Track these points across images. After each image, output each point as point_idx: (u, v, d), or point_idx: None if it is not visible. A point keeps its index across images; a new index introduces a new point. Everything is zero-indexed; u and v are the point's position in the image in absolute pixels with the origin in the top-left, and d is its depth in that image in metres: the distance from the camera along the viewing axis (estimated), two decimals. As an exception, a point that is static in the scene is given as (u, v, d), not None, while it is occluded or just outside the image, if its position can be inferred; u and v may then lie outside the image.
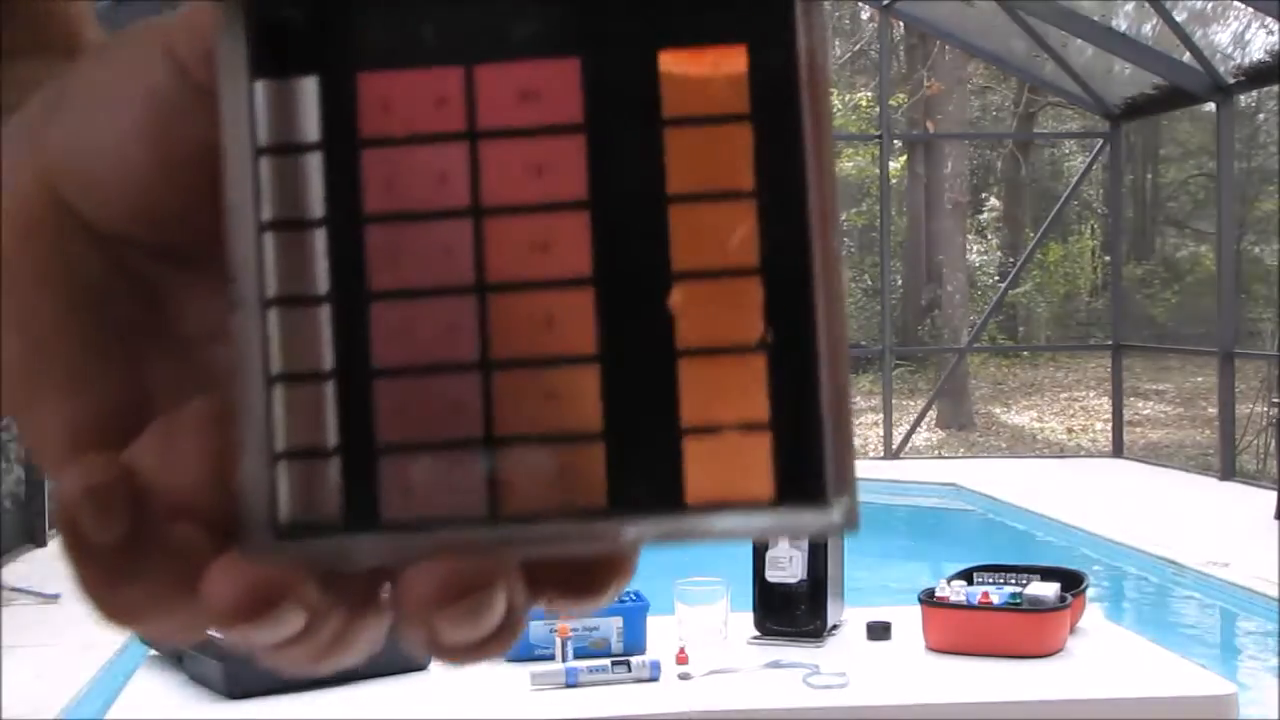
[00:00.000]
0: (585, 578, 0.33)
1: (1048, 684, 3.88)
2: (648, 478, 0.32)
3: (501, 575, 0.31)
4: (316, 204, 0.32)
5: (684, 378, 0.32)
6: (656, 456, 0.32)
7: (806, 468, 0.32)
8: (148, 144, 0.34)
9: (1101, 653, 4.07)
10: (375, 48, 0.32)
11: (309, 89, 0.32)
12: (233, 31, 0.32)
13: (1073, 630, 4.17)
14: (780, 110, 0.32)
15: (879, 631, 4.26)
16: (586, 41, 0.32)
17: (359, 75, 0.32)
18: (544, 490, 0.32)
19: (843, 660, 4.02)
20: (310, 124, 0.32)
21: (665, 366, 0.32)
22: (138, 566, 0.33)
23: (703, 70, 0.32)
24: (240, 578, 0.31)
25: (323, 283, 0.32)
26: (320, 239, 0.32)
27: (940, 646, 4.13)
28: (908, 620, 4.25)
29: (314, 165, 0.32)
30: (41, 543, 6.31)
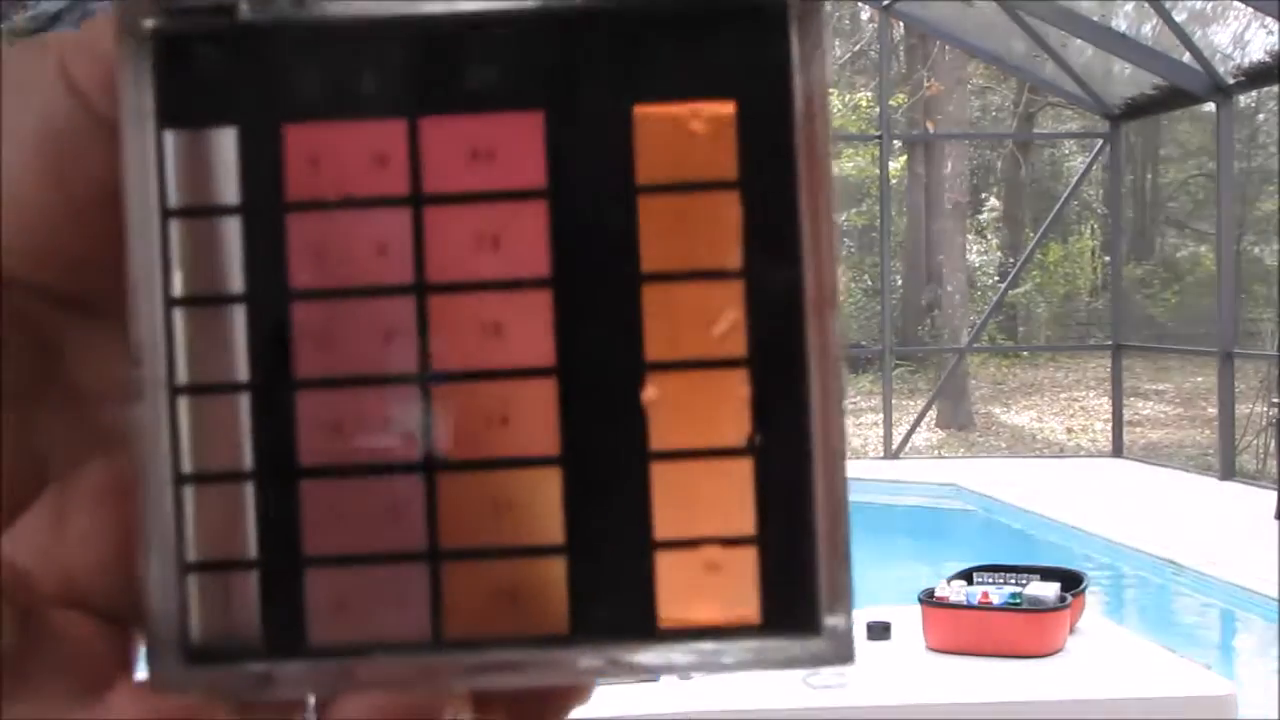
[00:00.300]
0: (538, 706, 0.29)
1: (1047, 684, 3.85)
2: (615, 598, 0.27)
3: (446, 710, 0.27)
4: (235, 277, 0.27)
5: (658, 483, 0.27)
6: (625, 574, 0.27)
7: (797, 588, 0.27)
8: (46, 181, 0.30)
9: (1101, 652, 4.04)
10: (304, 96, 0.27)
11: (227, 142, 0.27)
12: (137, 70, 0.27)
13: (1072, 630, 4.14)
14: (774, 176, 0.27)
15: (879, 631, 4.23)
16: (551, 92, 0.27)
17: (285, 127, 0.27)
18: (496, 612, 0.27)
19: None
20: (229, 183, 0.27)
21: (637, 470, 0.27)
22: (25, 679, 0.28)
23: (685, 128, 0.27)
24: (146, 709, 0.27)
25: (242, 368, 0.27)
26: (239, 317, 0.27)
27: (940, 646, 4.10)
28: (908, 620, 4.21)
29: (232, 231, 0.27)
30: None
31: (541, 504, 0.27)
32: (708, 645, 0.27)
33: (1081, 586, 4.25)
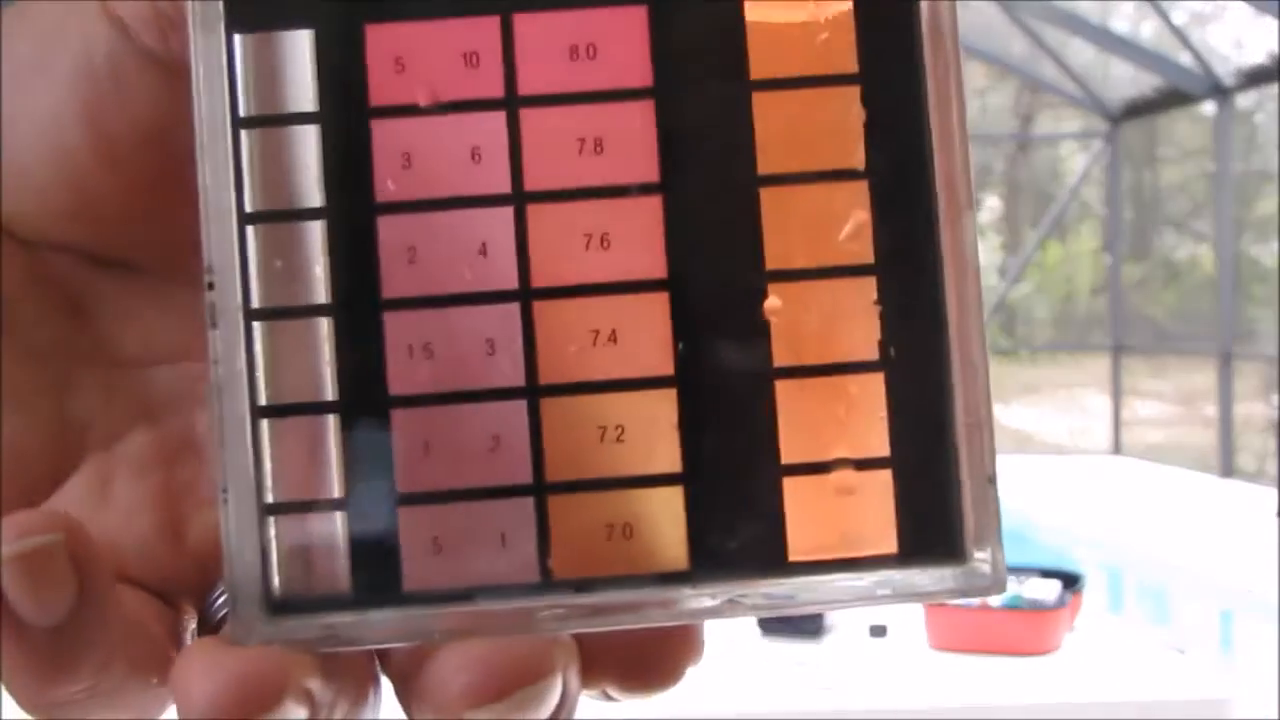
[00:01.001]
0: (652, 658, 0.26)
1: (1047, 683, 3.83)
2: (740, 530, 0.25)
3: (557, 661, 0.25)
4: (313, 190, 0.25)
5: (782, 403, 0.25)
6: (750, 503, 0.25)
7: (938, 514, 0.25)
8: (82, 124, 0.28)
9: (1100, 652, 4.02)
10: None
11: (302, 45, 0.25)
12: None
13: (1071, 629, 4.12)
14: (897, 68, 0.25)
15: (879, 631, 4.21)
16: None
17: (366, 27, 0.25)
18: (608, 549, 0.25)
19: (843, 659, 3.95)
20: (305, 89, 0.25)
21: (759, 389, 0.25)
22: (81, 653, 0.26)
23: (799, 19, 0.25)
24: (223, 669, 0.24)
25: (322, 289, 0.25)
26: (318, 234, 0.25)
27: (940, 645, 4.08)
28: (908, 619, 4.19)
29: (310, 141, 0.25)
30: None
31: (655, 429, 0.25)
32: (842, 578, 0.25)
33: (1080, 585, 4.24)
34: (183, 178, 0.28)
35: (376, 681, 0.27)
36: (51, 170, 0.28)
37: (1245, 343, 7.94)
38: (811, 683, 3.78)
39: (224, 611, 0.28)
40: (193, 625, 0.30)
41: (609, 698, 0.27)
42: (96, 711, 0.27)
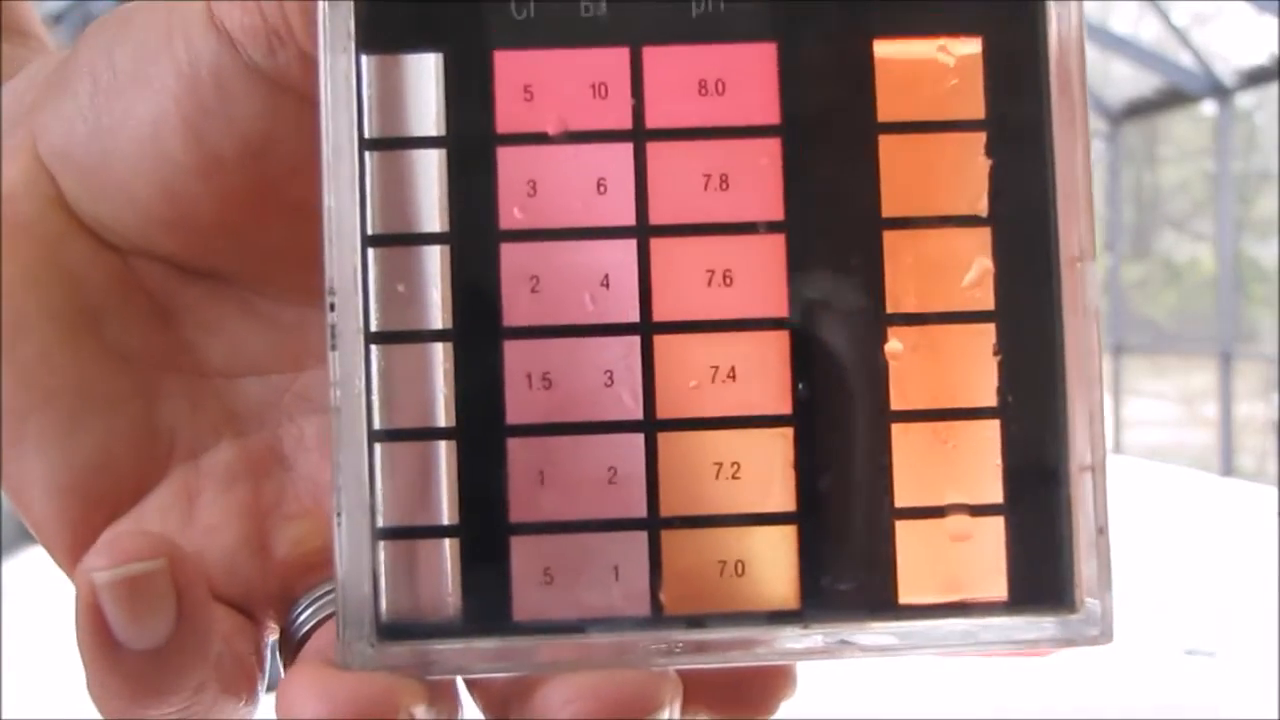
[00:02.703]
0: (748, 690, 0.27)
1: (1047, 682, 3.85)
2: (851, 571, 0.25)
3: (665, 696, 0.25)
4: (438, 215, 0.25)
5: (899, 446, 0.25)
6: (862, 545, 0.25)
7: (1050, 562, 0.25)
8: (183, 135, 0.28)
9: (1099, 651, 4.04)
10: (515, 20, 0.25)
11: (431, 69, 0.25)
12: None
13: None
14: (1024, 115, 0.25)
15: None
16: (785, 22, 0.25)
17: (495, 54, 0.25)
18: (719, 585, 0.25)
19: (835, 660, 3.96)
20: (431, 113, 0.25)
21: (876, 432, 0.25)
22: (178, 676, 0.26)
23: (928, 63, 0.25)
24: (334, 695, 0.24)
25: (443, 315, 0.25)
26: (441, 259, 0.25)
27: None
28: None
29: (435, 165, 0.25)
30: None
31: (771, 467, 0.25)
32: (950, 624, 0.25)
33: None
34: (280, 191, 0.28)
35: (461, 706, 0.27)
36: (149, 180, 0.28)
37: (1245, 343, 7.96)
38: (811, 682, 3.80)
39: (307, 627, 0.29)
40: (273, 639, 0.30)
41: None
42: None
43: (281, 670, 0.28)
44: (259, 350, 0.30)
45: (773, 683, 0.26)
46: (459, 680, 0.27)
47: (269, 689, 0.29)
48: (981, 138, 0.25)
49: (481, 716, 0.27)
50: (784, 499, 0.25)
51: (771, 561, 0.25)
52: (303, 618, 0.29)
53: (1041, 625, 0.25)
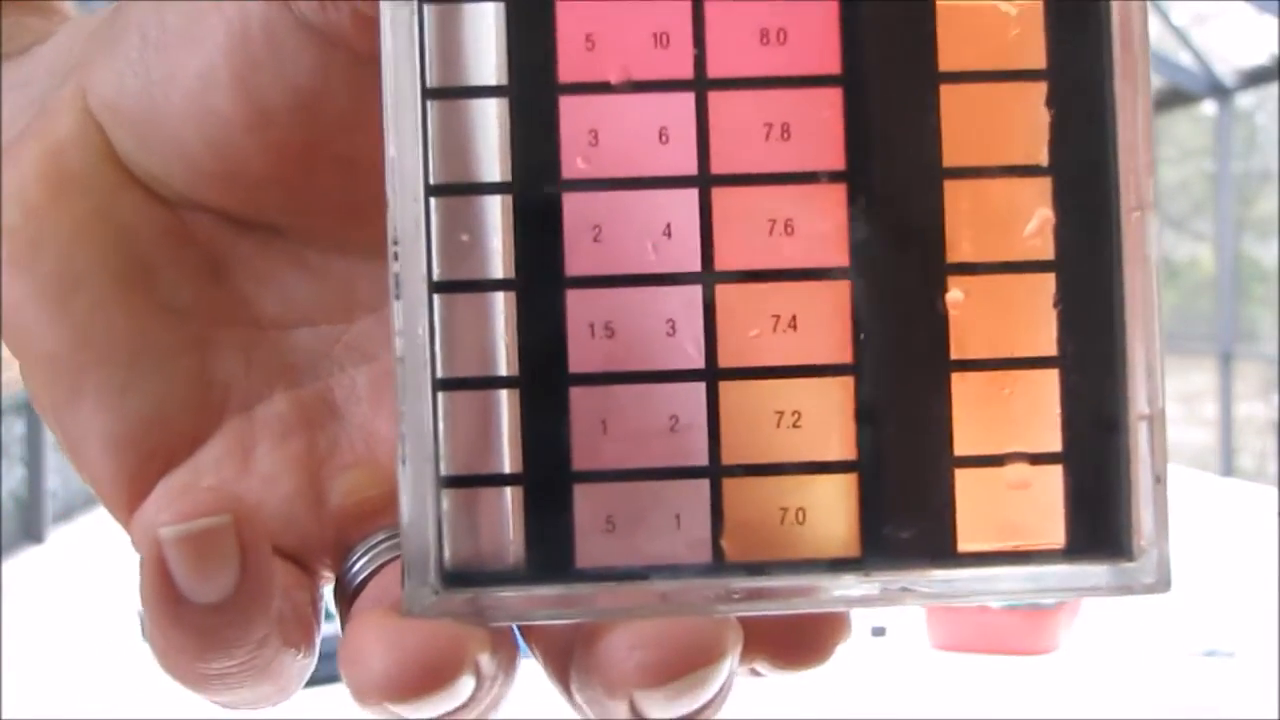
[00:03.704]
0: (805, 637, 0.27)
1: (1046, 682, 3.85)
2: (911, 519, 0.25)
3: (728, 643, 0.25)
4: (499, 164, 0.25)
5: (958, 395, 0.25)
6: (922, 493, 0.25)
7: (1108, 510, 0.25)
8: (234, 90, 0.28)
9: (1099, 651, 4.05)
10: None
11: (492, 17, 0.25)
12: None
13: (1070, 629, 4.14)
14: (1085, 65, 0.25)
15: (879, 631, 4.22)
16: None
17: (556, 3, 0.25)
18: (780, 533, 0.25)
19: (843, 659, 3.97)
20: (492, 63, 0.25)
21: (935, 381, 0.25)
22: (241, 629, 0.26)
23: (989, 14, 0.25)
24: (400, 643, 0.24)
25: (505, 264, 0.25)
26: (503, 209, 0.25)
27: (940, 645, 4.11)
28: (909, 619, 4.21)
29: (497, 115, 0.25)
30: (40, 539, 6.24)
31: (832, 416, 0.25)
32: (1009, 571, 0.25)
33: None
34: (330, 146, 0.28)
35: (518, 657, 0.27)
36: (200, 134, 0.28)
37: (1245, 343, 7.96)
38: (815, 681, 3.80)
39: (363, 575, 0.29)
40: (329, 588, 0.30)
41: (756, 674, 0.27)
42: (245, 684, 0.27)
43: (339, 619, 0.28)
44: (310, 302, 0.31)
45: (829, 629, 0.27)
46: (517, 633, 0.27)
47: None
48: (1043, 88, 0.25)
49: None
50: (844, 447, 0.25)
51: (832, 509, 0.25)
52: (358, 566, 0.29)
53: (1099, 573, 0.25)
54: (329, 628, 0.29)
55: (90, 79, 0.29)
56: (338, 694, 0.28)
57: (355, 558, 0.29)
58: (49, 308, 0.28)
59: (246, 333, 0.30)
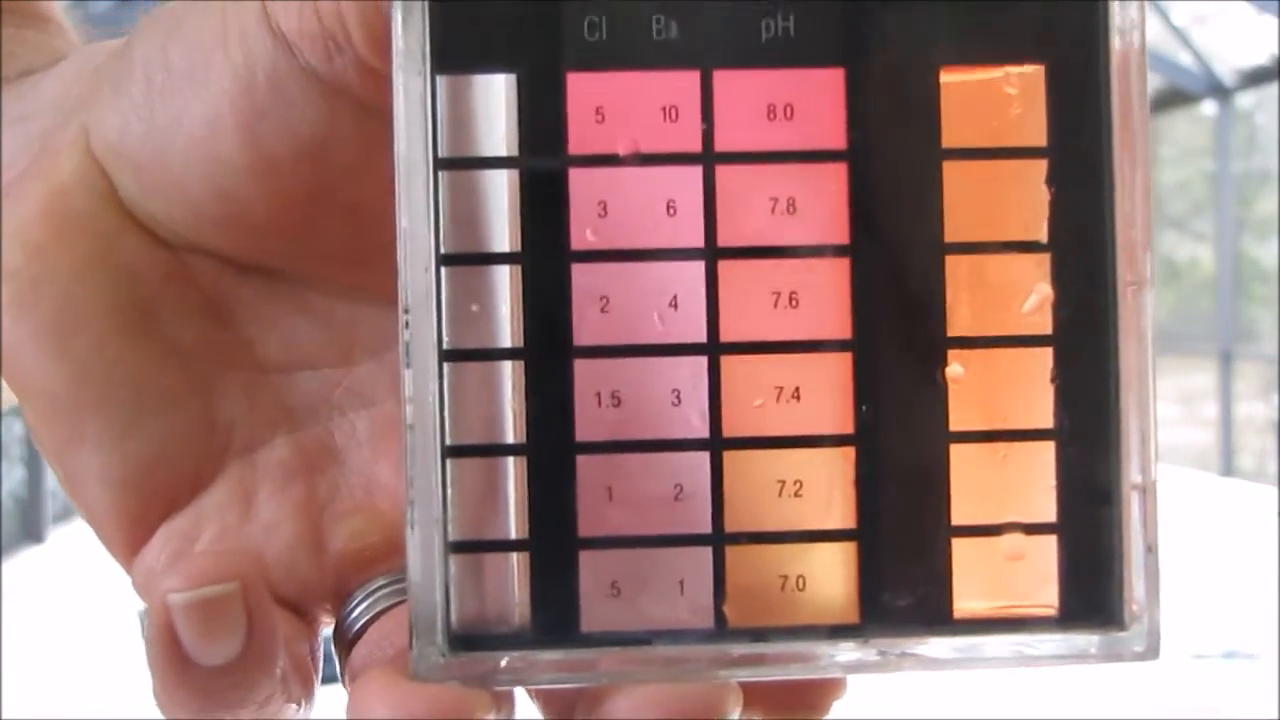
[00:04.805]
0: (802, 694, 0.27)
1: (1046, 681, 3.86)
2: (908, 586, 0.26)
3: (728, 707, 0.25)
4: (509, 235, 0.26)
5: (956, 466, 0.26)
6: (920, 561, 0.26)
7: (1101, 579, 0.26)
8: (239, 136, 0.28)
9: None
10: (587, 41, 0.26)
11: (503, 89, 0.26)
12: (410, 10, 0.25)
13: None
14: (1085, 143, 0.26)
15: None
16: (854, 49, 0.26)
17: (567, 75, 0.26)
18: (781, 599, 0.26)
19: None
20: (503, 134, 0.26)
21: (934, 452, 0.26)
22: (245, 691, 0.27)
23: (992, 91, 0.26)
24: (405, 707, 0.25)
25: (514, 334, 0.26)
26: (512, 279, 0.26)
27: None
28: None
29: (507, 185, 0.26)
30: (40, 539, 6.24)
31: (833, 485, 0.25)
32: (1003, 638, 0.26)
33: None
34: (335, 193, 0.29)
35: (515, 707, 0.28)
36: (203, 179, 0.29)
37: (1245, 343, 7.97)
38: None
39: (362, 622, 0.29)
40: (327, 633, 0.31)
41: None
42: None
43: (338, 664, 0.29)
44: (312, 345, 0.31)
45: (826, 688, 0.27)
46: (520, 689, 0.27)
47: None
48: (1043, 165, 0.26)
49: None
50: (844, 516, 0.25)
51: (831, 577, 0.25)
52: (358, 612, 0.29)
53: (1091, 641, 0.26)
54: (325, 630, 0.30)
55: (94, 120, 0.30)
56: (338, 694, 0.28)
57: (355, 603, 0.29)
58: (50, 348, 0.29)
59: (248, 376, 0.31)
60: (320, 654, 0.31)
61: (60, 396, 0.29)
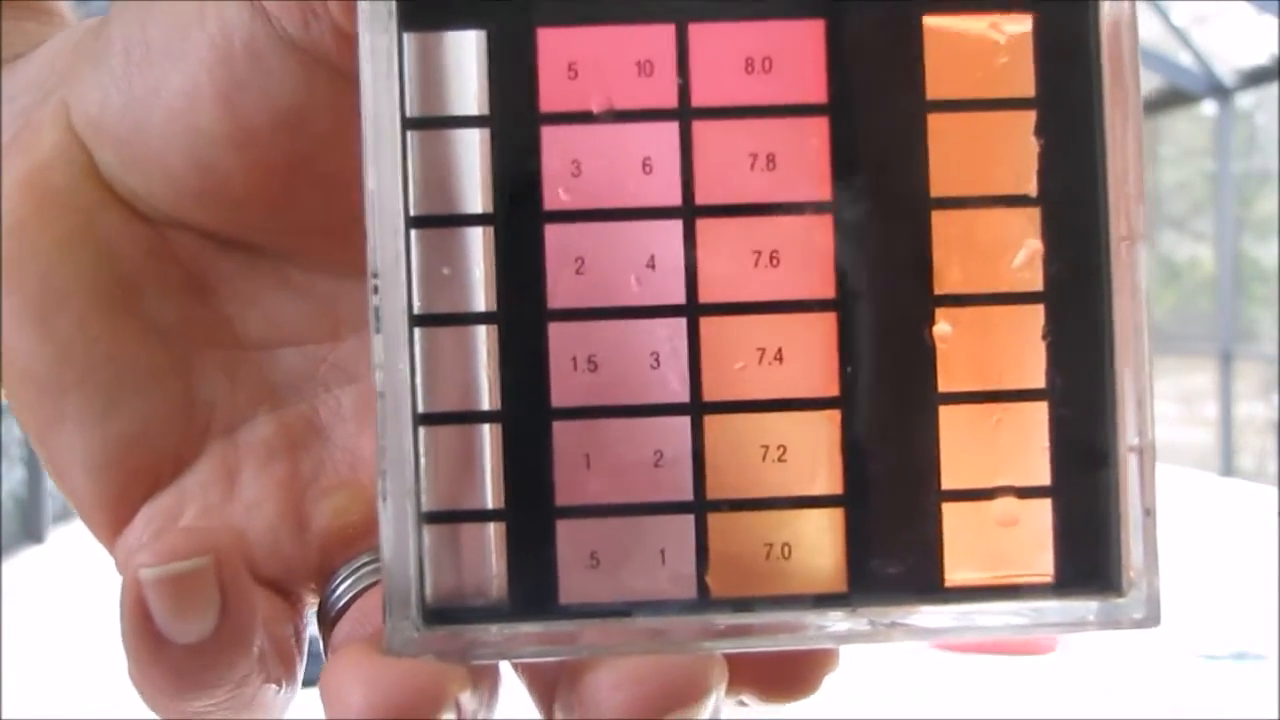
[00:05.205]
0: (792, 669, 0.26)
1: (1046, 681, 3.85)
2: (898, 554, 0.25)
3: (712, 680, 0.24)
4: (481, 195, 0.25)
5: (946, 428, 0.25)
6: (909, 527, 0.25)
7: (1097, 545, 0.25)
8: (217, 107, 0.27)
9: (1098, 650, 4.05)
10: None
11: (473, 46, 0.25)
12: None
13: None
14: (1075, 93, 0.25)
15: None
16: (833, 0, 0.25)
17: (538, 30, 0.25)
18: (766, 568, 0.25)
19: (843, 659, 3.97)
20: (474, 92, 0.25)
21: (923, 414, 0.25)
22: (221, 670, 0.26)
23: (978, 41, 0.25)
24: (379, 682, 0.24)
25: (487, 297, 0.25)
26: (484, 241, 0.25)
27: (941, 644, 4.11)
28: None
29: (478, 144, 0.25)
30: (40, 539, 6.24)
31: (818, 450, 0.25)
32: (997, 606, 0.25)
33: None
34: (314, 164, 0.28)
35: (500, 682, 0.27)
36: (182, 151, 0.28)
37: (1245, 343, 7.95)
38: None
39: (345, 599, 0.28)
40: (312, 612, 0.30)
41: (744, 704, 0.27)
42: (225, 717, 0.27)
43: (321, 643, 0.28)
44: (295, 321, 0.30)
45: (817, 662, 0.26)
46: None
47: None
48: (1031, 116, 0.25)
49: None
50: (831, 482, 0.25)
51: (818, 544, 0.25)
52: (341, 589, 0.29)
53: (1088, 607, 0.25)
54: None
55: (74, 95, 0.29)
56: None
57: (338, 581, 0.29)
58: (31, 328, 0.28)
59: (230, 353, 0.30)
60: (306, 634, 0.30)
61: (41, 376, 0.28)
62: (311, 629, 0.30)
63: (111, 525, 0.29)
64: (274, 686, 0.28)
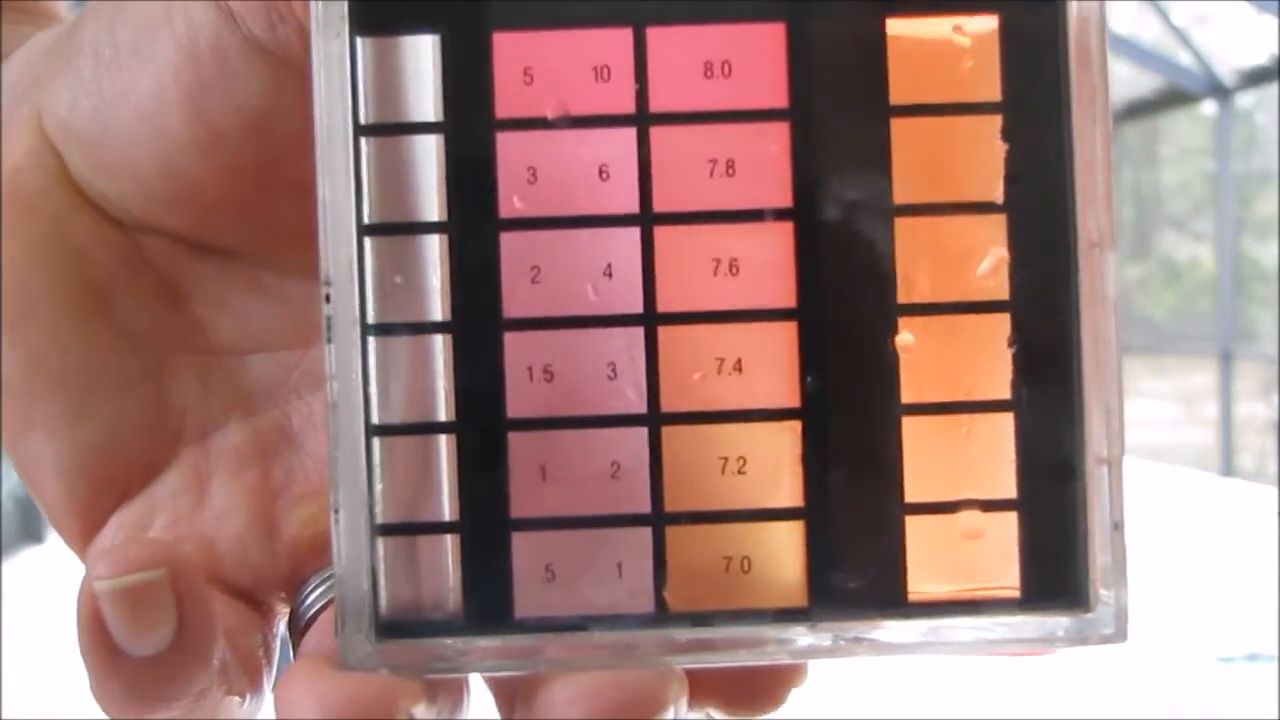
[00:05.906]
0: (758, 682, 0.26)
1: (1046, 681, 3.85)
2: (860, 568, 0.24)
3: (670, 695, 0.24)
4: (436, 203, 0.24)
5: (909, 440, 0.24)
6: (872, 541, 0.24)
7: (1065, 559, 0.24)
8: (185, 110, 0.27)
9: (1097, 650, 4.04)
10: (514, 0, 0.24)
11: (428, 51, 0.24)
12: None
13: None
14: (1041, 96, 0.24)
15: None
16: (795, 2, 0.24)
17: (493, 35, 0.24)
18: (725, 582, 0.24)
19: (843, 659, 3.96)
20: (428, 98, 0.24)
21: (886, 425, 0.24)
22: (180, 682, 0.25)
23: (942, 44, 0.24)
24: (330, 696, 0.24)
25: (442, 306, 0.24)
26: (439, 249, 0.24)
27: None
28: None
29: (433, 151, 0.24)
30: (40, 539, 6.23)
31: (778, 462, 0.24)
32: (961, 622, 0.24)
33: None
34: (283, 167, 0.28)
35: (468, 693, 0.26)
36: (152, 154, 0.28)
37: (1245, 343, 7.94)
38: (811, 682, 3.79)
39: (315, 608, 0.28)
40: (283, 622, 0.29)
41: (711, 719, 0.26)
42: None
43: (291, 651, 0.28)
44: (268, 327, 0.30)
45: (782, 675, 0.26)
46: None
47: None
48: (997, 121, 0.24)
49: (490, 712, 0.27)
50: (791, 494, 0.24)
51: (778, 558, 0.24)
52: (311, 599, 0.28)
53: (1055, 623, 0.24)
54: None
55: (45, 98, 0.29)
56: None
57: (308, 591, 0.29)
58: (4, 335, 0.28)
59: (203, 359, 0.30)
60: (276, 644, 0.29)
61: (11, 382, 0.28)
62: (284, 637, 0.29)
63: (83, 532, 0.29)
64: (236, 700, 0.27)
